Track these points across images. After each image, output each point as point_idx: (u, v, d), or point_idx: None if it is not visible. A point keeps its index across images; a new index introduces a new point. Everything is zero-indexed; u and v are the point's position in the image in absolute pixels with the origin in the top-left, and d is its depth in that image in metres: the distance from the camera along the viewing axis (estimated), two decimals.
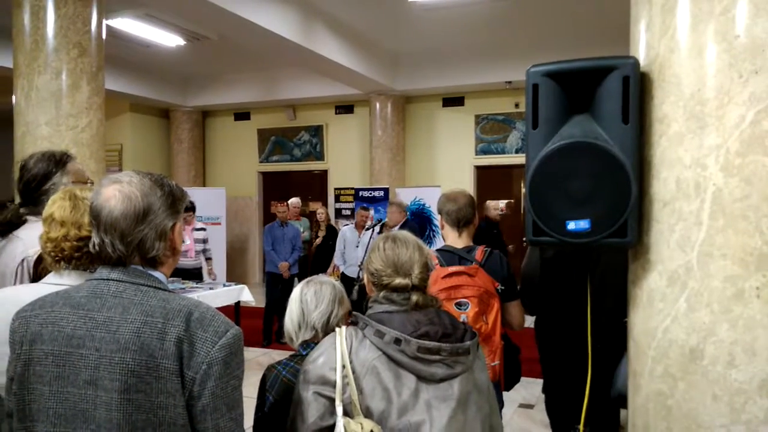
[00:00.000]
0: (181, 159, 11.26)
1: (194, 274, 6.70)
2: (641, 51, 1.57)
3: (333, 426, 1.42)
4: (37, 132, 4.41)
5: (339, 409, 1.42)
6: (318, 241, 7.97)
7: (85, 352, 1.16)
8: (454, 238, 2.58)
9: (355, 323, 1.55)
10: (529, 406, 4.77)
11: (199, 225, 7.11)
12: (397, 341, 1.44)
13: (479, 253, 2.49)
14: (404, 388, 1.44)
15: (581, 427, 1.97)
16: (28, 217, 1.99)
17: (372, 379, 1.44)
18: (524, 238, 1.69)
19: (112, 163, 10.06)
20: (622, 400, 2.15)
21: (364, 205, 8.13)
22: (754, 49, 1.30)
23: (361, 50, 8.26)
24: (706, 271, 1.37)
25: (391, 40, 8.54)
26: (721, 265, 1.35)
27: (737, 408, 1.34)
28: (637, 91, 1.49)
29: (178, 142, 11.31)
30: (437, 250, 2.54)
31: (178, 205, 1.29)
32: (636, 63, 1.51)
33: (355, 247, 6.70)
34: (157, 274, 1.26)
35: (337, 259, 6.98)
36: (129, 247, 1.21)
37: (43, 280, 1.53)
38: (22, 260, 1.84)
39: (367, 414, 1.42)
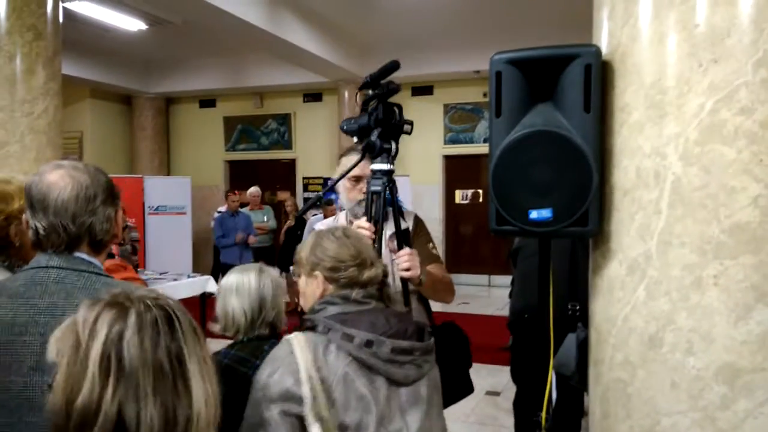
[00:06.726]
0: (144, 147, 11.00)
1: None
2: (603, 39, 1.56)
3: None
4: None
5: (315, 428, 1.24)
6: (289, 223, 7.92)
7: (28, 338, 1.14)
8: None
9: (312, 328, 1.37)
10: (496, 394, 4.82)
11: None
12: (369, 343, 1.30)
13: None
14: (379, 394, 1.31)
15: (543, 413, 1.98)
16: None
17: (345, 388, 1.28)
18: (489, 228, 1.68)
19: (72, 150, 9.77)
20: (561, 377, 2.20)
21: (330, 198, 8.08)
22: (713, 38, 1.30)
23: (329, 37, 8.16)
24: (665, 260, 1.38)
25: (360, 28, 8.46)
26: (680, 253, 1.36)
27: (695, 395, 1.35)
28: (598, 79, 1.48)
29: (141, 129, 11.02)
30: None
31: (116, 193, 1.32)
32: (598, 51, 1.50)
33: None
34: (96, 261, 1.25)
35: None
36: (81, 228, 1.22)
37: None
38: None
39: (342, 430, 1.27)
